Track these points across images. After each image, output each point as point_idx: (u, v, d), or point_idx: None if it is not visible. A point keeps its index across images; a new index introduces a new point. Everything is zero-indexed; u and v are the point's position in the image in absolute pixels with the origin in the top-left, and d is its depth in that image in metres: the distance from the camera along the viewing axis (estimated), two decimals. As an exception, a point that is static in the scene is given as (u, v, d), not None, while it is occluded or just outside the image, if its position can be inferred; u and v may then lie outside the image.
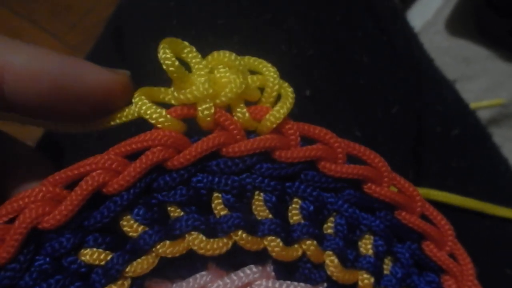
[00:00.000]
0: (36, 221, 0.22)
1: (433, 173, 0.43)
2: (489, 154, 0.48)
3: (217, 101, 0.25)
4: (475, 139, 0.47)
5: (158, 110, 0.25)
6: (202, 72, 0.25)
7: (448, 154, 0.44)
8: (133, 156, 0.24)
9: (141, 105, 0.25)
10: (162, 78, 0.40)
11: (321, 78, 0.40)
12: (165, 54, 0.24)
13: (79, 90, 0.23)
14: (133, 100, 0.25)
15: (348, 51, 0.42)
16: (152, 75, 0.39)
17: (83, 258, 0.23)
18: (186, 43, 0.25)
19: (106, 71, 0.24)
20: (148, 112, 0.25)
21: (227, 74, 0.26)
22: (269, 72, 0.26)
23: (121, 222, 0.24)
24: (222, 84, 0.25)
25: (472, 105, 0.54)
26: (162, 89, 0.26)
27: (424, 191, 0.41)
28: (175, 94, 0.25)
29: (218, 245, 0.24)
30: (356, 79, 0.41)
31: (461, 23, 0.71)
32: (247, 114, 0.26)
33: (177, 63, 0.24)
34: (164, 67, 0.24)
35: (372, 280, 0.27)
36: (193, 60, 0.25)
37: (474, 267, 0.29)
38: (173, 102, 0.25)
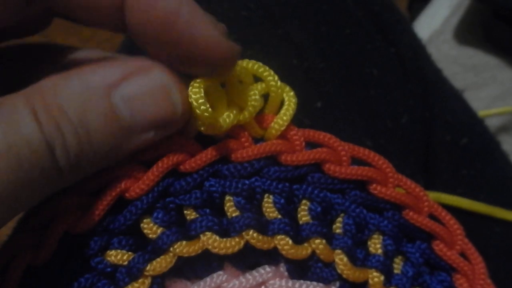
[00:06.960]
0: (67, 228, 0.24)
1: (443, 182, 0.43)
2: (498, 162, 0.48)
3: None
4: (484, 148, 0.47)
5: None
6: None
7: (458, 163, 0.44)
8: (150, 163, 0.26)
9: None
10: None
11: (332, 91, 0.41)
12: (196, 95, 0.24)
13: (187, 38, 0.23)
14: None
15: (357, 64, 0.43)
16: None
17: (108, 258, 0.25)
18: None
19: (222, 37, 0.24)
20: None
21: (251, 95, 0.27)
22: (270, 80, 0.27)
23: (141, 224, 0.26)
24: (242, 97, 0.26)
25: (482, 113, 0.54)
26: None
27: (434, 195, 0.41)
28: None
29: (231, 244, 0.26)
30: (366, 90, 0.42)
31: (469, 32, 0.71)
32: (254, 125, 0.27)
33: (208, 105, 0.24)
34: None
35: (382, 278, 0.27)
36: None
37: (485, 266, 0.29)
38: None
